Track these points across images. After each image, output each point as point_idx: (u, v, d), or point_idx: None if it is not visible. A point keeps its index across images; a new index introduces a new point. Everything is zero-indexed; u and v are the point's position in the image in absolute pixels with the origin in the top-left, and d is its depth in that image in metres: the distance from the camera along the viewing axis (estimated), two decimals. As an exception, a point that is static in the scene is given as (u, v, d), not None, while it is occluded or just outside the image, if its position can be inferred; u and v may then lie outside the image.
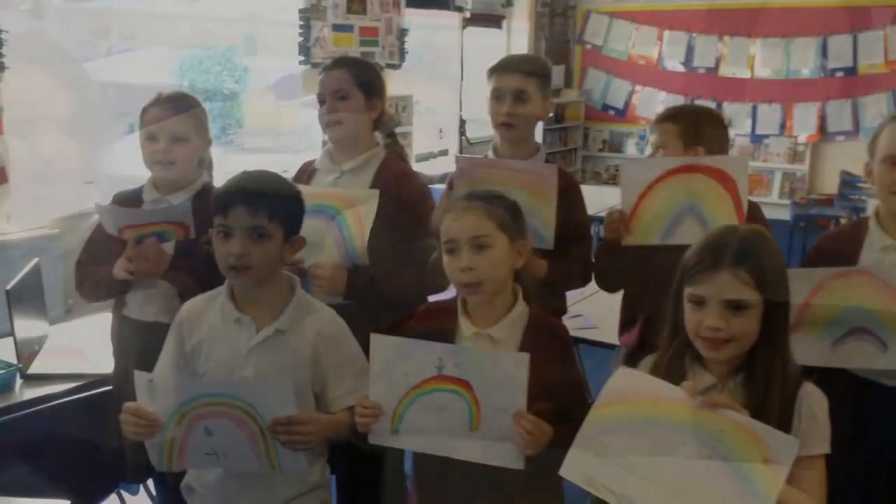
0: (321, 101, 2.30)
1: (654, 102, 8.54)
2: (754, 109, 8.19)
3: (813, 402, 1.46)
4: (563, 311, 2.47)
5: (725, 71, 8.25)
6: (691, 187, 2.05)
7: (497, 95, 2.32)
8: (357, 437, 1.71)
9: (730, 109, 8.25)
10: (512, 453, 1.60)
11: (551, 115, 8.06)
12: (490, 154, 2.44)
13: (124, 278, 2.14)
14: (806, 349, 1.83)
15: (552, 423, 1.60)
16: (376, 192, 2.20)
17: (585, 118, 9.19)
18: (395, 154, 2.41)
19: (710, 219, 2.02)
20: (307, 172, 2.37)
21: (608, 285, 2.41)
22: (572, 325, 3.08)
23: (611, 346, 2.90)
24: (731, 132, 7.69)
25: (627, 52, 8.75)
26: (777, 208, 7.88)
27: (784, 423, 1.43)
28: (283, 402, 1.62)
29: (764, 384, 1.45)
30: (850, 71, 7.68)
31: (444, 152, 7.24)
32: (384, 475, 2.35)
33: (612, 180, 9.12)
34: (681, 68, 8.49)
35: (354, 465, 2.15)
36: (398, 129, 6.47)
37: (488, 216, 1.71)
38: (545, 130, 8.38)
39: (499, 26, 8.08)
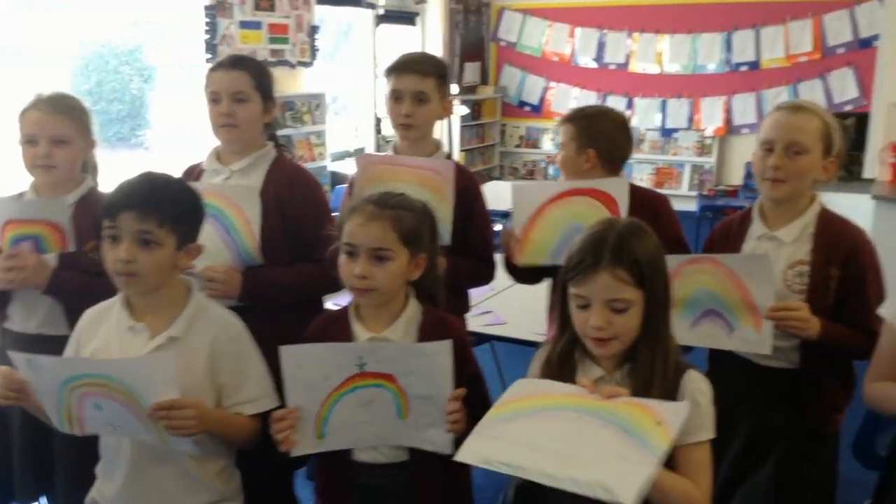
0: (214, 100, 2.23)
1: (568, 98, 8.68)
2: (664, 104, 8.39)
3: (695, 389, 1.49)
4: (466, 309, 2.47)
5: (635, 67, 8.44)
6: (578, 209, 2.11)
7: (396, 96, 2.31)
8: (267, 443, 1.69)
9: (640, 104, 8.46)
10: (443, 439, 1.62)
11: (462, 113, 8.17)
12: (391, 153, 2.42)
13: (1, 289, 2.04)
14: (674, 328, 1.91)
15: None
16: (255, 188, 2.15)
17: (502, 114, 9.26)
18: (282, 152, 2.36)
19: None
20: (194, 174, 2.30)
21: (522, 281, 2.43)
22: (481, 321, 3.12)
23: (523, 342, 2.92)
24: (642, 130, 7.91)
25: (541, 48, 8.86)
26: (687, 200, 8.12)
27: None
28: (164, 383, 1.56)
29: (647, 375, 1.48)
30: (754, 65, 7.95)
31: (360, 150, 7.19)
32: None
33: (531, 176, 9.24)
34: (593, 64, 8.64)
35: (266, 478, 2.09)
36: (315, 128, 6.42)
37: (394, 228, 1.68)
38: (462, 127, 8.42)
39: (413, 23, 8.07)
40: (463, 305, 2.45)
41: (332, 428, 1.66)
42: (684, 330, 1.96)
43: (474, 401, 1.64)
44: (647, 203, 2.22)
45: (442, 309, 1.82)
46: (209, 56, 5.55)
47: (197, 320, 1.74)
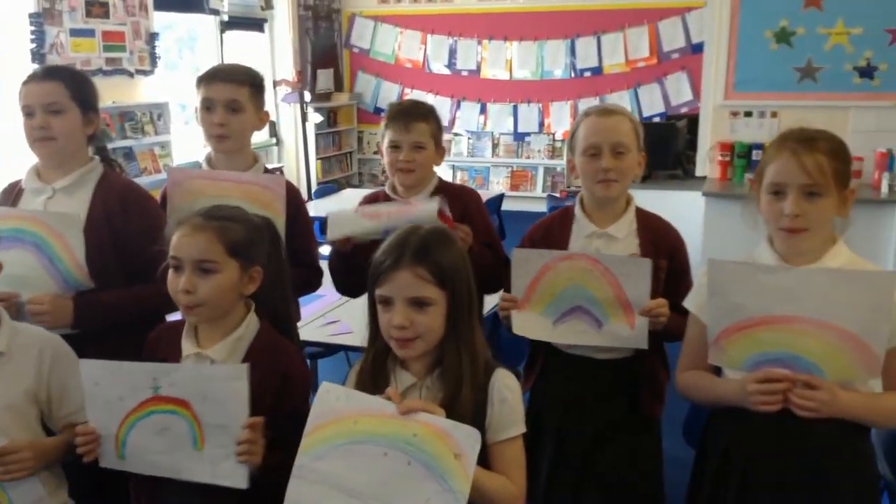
0: (29, 114, 2.08)
1: (423, 104, 8.75)
2: (515, 109, 8.62)
3: (503, 387, 1.53)
4: (297, 317, 2.44)
5: (487, 73, 8.62)
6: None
7: (207, 106, 2.23)
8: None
9: (493, 109, 8.66)
10: (237, 472, 1.55)
11: (317, 121, 8.09)
12: (204, 166, 2.34)
13: None
14: (531, 326, 1.98)
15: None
16: (75, 215, 2.04)
17: (359, 121, 9.23)
18: (112, 168, 2.24)
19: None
20: (13, 193, 2.14)
21: (348, 293, 2.44)
22: (328, 331, 3.07)
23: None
24: (496, 135, 8.04)
25: (394, 55, 8.89)
26: (541, 201, 8.36)
27: (479, 411, 1.50)
28: None
29: (457, 377, 1.50)
30: (597, 70, 8.29)
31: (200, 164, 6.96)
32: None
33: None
34: (446, 71, 8.76)
35: (98, 493, 1.98)
36: (159, 139, 6.14)
37: (219, 240, 1.63)
38: (317, 135, 8.33)
39: (261, 30, 7.91)
40: (294, 313, 2.42)
41: (129, 452, 1.61)
42: (547, 328, 2.02)
43: (285, 442, 1.53)
44: (454, 197, 2.28)
45: (296, 333, 1.80)
46: (37, 66, 5.21)
47: (17, 338, 1.72)
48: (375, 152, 9.31)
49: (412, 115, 2.30)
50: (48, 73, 2.12)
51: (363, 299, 2.37)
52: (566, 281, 1.98)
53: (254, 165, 2.32)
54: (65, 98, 2.07)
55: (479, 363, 1.52)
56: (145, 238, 2.07)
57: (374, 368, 1.57)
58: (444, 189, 2.34)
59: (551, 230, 2.18)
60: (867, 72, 5.53)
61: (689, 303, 1.85)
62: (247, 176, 2.21)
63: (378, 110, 9.14)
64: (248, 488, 1.54)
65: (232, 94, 2.20)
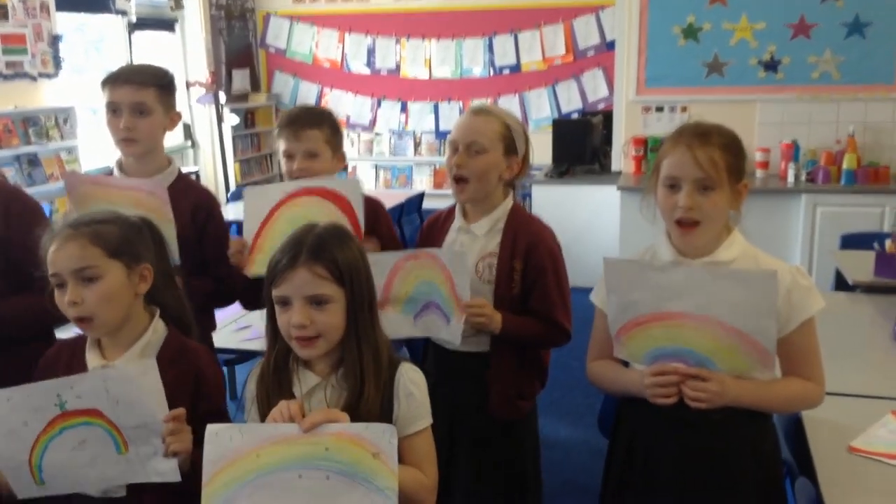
0: None
1: (343, 104, 8.67)
2: (436, 107, 8.61)
3: (408, 381, 1.52)
4: (212, 327, 2.39)
5: (406, 72, 8.59)
6: (310, 211, 2.07)
7: (113, 109, 2.16)
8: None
9: (414, 108, 8.64)
10: (167, 467, 1.52)
11: (233, 123, 7.93)
12: (115, 171, 2.26)
13: None
14: (395, 325, 1.99)
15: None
16: None
17: (277, 122, 9.06)
18: None
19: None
20: None
21: (251, 307, 2.39)
22: (240, 336, 3.01)
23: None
24: (418, 134, 8.04)
25: (312, 54, 8.78)
26: (464, 199, 8.40)
27: (386, 406, 1.49)
28: None
29: (359, 374, 1.48)
30: (515, 68, 8.35)
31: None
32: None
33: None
34: (365, 70, 8.69)
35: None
36: (65, 144, 5.91)
37: (95, 244, 1.57)
38: (235, 137, 8.16)
39: (172, 30, 7.70)
40: (208, 323, 2.35)
41: (48, 475, 1.53)
42: (409, 324, 2.04)
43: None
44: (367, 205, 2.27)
45: (194, 329, 1.73)
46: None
47: None
48: (296, 153, 9.20)
49: (302, 122, 2.24)
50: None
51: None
52: (415, 278, 2.00)
53: (167, 168, 2.25)
54: None
55: (382, 359, 1.51)
56: (26, 246, 2.00)
57: (276, 371, 1.54)
58: None
59: (437, 223, 2.23)
60: (771, 65, 5.72)
61: (593, 296, 1.88)
62: (131, 182, 2.13)
63: (297, 111, 9.00)
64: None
65: (138, 97, 2.13)
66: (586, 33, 8.11)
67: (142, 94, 2.14)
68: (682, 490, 1.72)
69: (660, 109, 5.85)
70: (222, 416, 1.67)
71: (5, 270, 2.02)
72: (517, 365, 2.11)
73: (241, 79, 8.48)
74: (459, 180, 2.06)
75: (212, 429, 1.40)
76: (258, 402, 1.55)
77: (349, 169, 8.59)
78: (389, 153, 8.86)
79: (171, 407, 1.52)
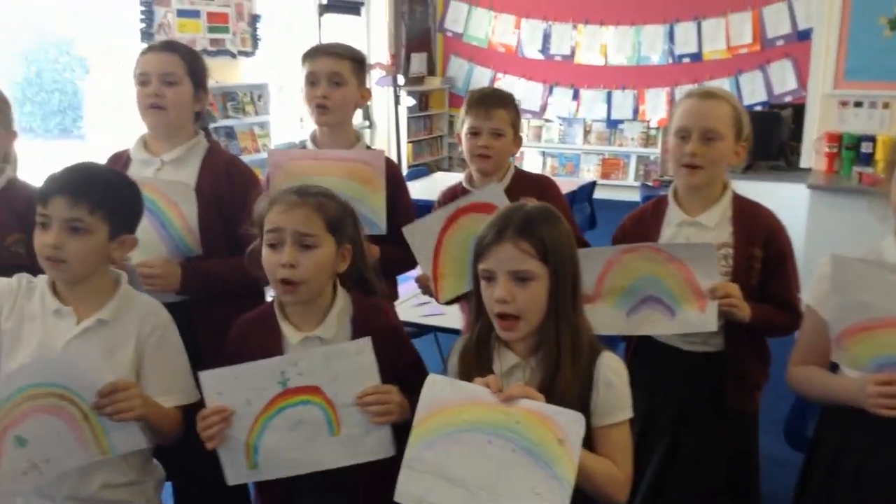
0: (143, 82, 2.16)
1: (515, 90, 8.68)
2: (609, 95, 8.46)
3: (609, 371, 1.50)
4: (395, 296, 2.48)
5: (581, 58, 8.49)
6: (472, 228, 2.00)
7: (312, 80, 2.27)
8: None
9: (586, 96, 8.52)
10: (380, 443, 1.57)
11: (409, 105, 8.15)
12: (309, 144, 2.38)
13: None
14: (606, 320, 1.94)
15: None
16: (190, 186, 2.10)
17: (450, 105, 9.24)
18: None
19: None
20: (120, 163, 2.23)
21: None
22: (419, 312, 3.10)
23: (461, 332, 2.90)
24: (588, 121, 7.95)
25: (488, 39, 8.85)
26: (634, 190, 8.20)
27: (584, 394, 1.47)
28: (95, 373, 1.51)
29: (555, 358, 1.48)
30: (696, 57, 8.06)
31: (305, 142, 7.09)
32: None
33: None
34: (539, 56, 8.67)
35: (192, 474, 2.05)
36: (258, 119, 6.29)
37: (319, 215, 1.64)
38: (409, 119, 8.38)
39: (357, 13, 7.99)
40: (392, 293, 2.43)
41: (263, 458, 1.57)
42: (621, 320, 1.98)
43: (415, 389, 1.56)
44: (532, 186, 2.27)
45: (378, 297, 1.78)
46: (145, 45, 5.41)
47: (125, 308, 1.70)
48: (465, 137, 9.32)
49: (492, 101, 2.29)
50: (167, 46, 2.21)
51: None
52: (634, 272, 1.93)
53: (356, 143, 2.35)
54: (181, 71, 2.14)
55: (581, 344, 1.50)
56: (243, 211, 2.15)
57: (478, 348, 1.56)
58: (520, 178, 2.33)
59: (643, 219, 2.15)
60: None
61: (806, 295, 1.79)
62: (346, 153, 2.23)
63: (469, 95, 9.12)
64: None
65: (334, 67, 2.24)
66: (776, 22, 7.69)
67: (338, 65, 2.25)
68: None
69: (858, 104, 5.44)
70: (420, 364, 1.73)
71: (223, 232, 2.16)
72: (752, 356, 2.06)
73: (418, 62, 8.69)
74: (692, 167, 1.99)
75: (432, 377, 1.47)
76: (460, 377, 1.57)
77: (516, 155, 8.62)
78: (558, 140, 8.80)
79: (379, 362, 1.55)
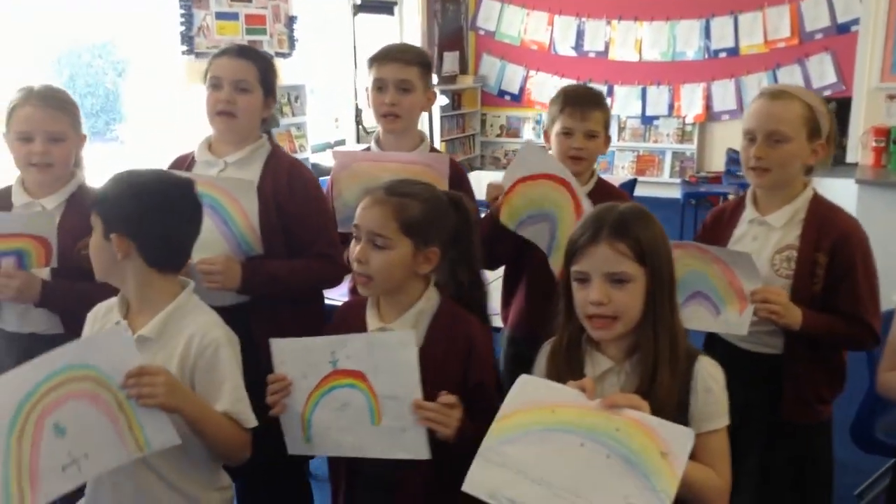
0: (215, 86, 2.16)
1: (548, 87, 8.64)
2: (644, 92, 8.39)
3: (707, 376, 1.46)
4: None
5: (615, 54, 8.42)
6: (556, 198, 2.06)
7: (379, 86, 2.25)
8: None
9: (620, 92, 8.45)
10: (416, 444, 1.54)
11: (442, 104, 8.13)
12: (373, 146, 2.37)
13: None
14: None
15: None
16: (253, 182, 2.10)
17: (482, 104, 9.21)
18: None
19: (558, 220, 2.08)
20: (184, 164, 2.23)
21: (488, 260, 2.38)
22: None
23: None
24: (622, 118, 7.92)
25: (520, 37, 8.81)
26: (668, 187, 8.13)
27: (682, 399, 1.43)
28: (126, 353, 1.47)
29: (653, 360, 1.44)
30: (733, 51, 7.96)
31: (342, 142, 7.11)
32: (284, 480, 2.27)
33: (511, 165, 9.18)
34: (572, 53, 8.61)
35: (254, 472, 2.05)
36: (295, 120, 6.31)
37: (395, 217, 1.63)
38: (442, 118, 8.37)
39: (391, 13, 7.99)
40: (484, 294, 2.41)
41: (315, 433, 1.61)
42: None
43: (475, 414, 1.54)
44: (611, 197, 2.22)
45: (479, 304, 1.74)
46: (185, 48, 5.45)
47: (172, 323, 1.64)
48: (498, 135, 9.29)
49: (588, 102, 2.25)
50: (242, 52, 2.18)
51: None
52: (683, 267, 1.88)
53: (420, 145, 2.34)
54: (254, 79, 2.13)
55: (679, 348, 1.45)
56: (309, 215, 2.14)
57: (569, 351, 1.52)
58: (603, 187, 2.29)
59: (722, 215, 2.13)
60: None
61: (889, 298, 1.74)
62: (410, 155, 2.22)
63: (502, 93, 9.09)
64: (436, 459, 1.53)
65: (403, 74, 2.23)
66: (815, 15, 7.58)
67: (406, 72, 2.24)
68: None
69: (907, 98, 5.36)
70: (487, 390, 1.66)
71: (282, 235, 2.16)
72: (815, 366, 1.98)
73: (451, 61, 8.67)
74: (758, 169, 1.96)
75: (524, 378, 1.43)
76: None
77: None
78: (592, 137, 8.74)
79: (442, 374, 1.55)
